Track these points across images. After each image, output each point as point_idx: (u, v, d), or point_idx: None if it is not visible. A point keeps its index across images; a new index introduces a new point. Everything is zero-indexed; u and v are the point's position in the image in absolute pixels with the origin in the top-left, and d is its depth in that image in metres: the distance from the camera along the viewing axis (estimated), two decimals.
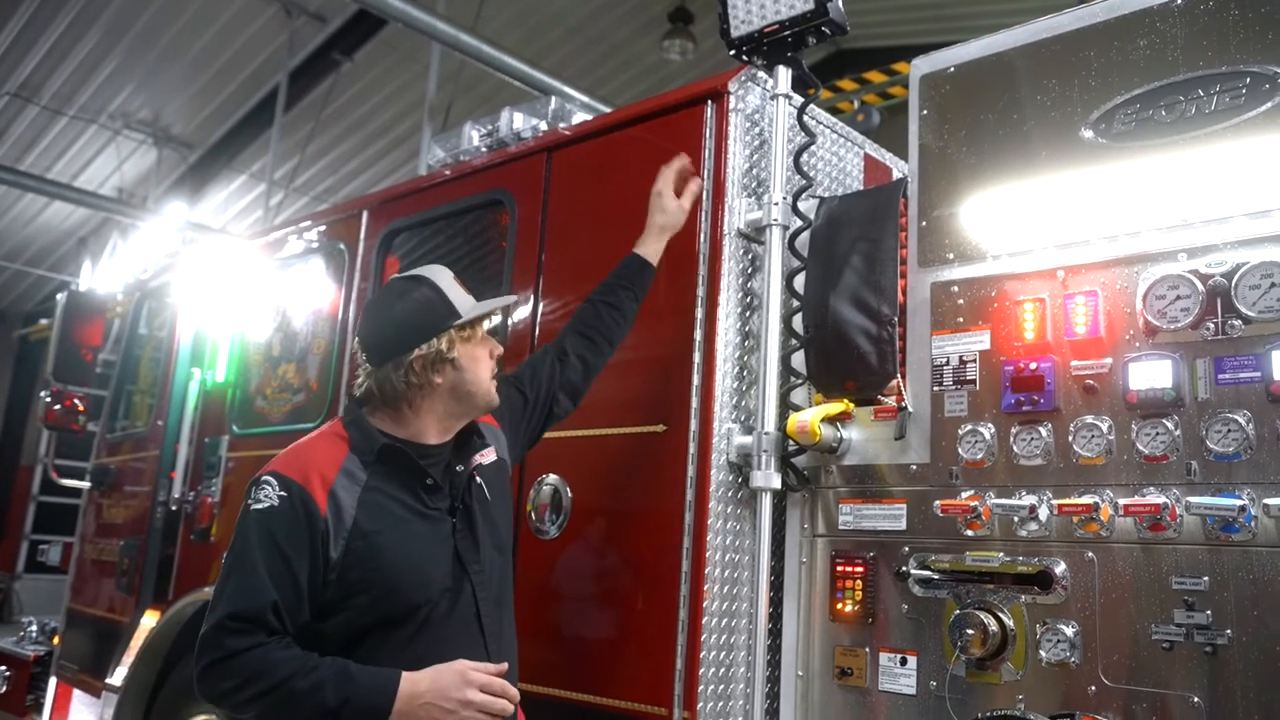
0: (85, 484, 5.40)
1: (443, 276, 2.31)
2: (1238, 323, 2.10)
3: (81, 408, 5.32)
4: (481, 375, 2.29)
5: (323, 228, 4.28)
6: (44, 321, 15.81)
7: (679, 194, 2.78)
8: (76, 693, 4.88)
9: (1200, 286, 2.15)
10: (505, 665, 2.12)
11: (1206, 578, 2.07)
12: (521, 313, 3.24)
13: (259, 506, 2.05)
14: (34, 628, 5.75)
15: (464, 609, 2.20)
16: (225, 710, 2.03)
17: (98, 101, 12.19)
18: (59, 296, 5.55)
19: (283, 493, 2.05)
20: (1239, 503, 2.01)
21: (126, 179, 13.77)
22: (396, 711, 1.96)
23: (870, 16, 10.78)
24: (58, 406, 5.23)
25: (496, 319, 2.45)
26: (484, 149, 3.72)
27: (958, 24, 10.39)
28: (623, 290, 2.72)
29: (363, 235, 3.99)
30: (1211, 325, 2.14)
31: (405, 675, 2.00)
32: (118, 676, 4.33)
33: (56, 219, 15.10)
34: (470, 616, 2.20)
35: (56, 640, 5.42)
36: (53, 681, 5.18)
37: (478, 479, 2.33)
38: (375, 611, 2.09)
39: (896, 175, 3.47)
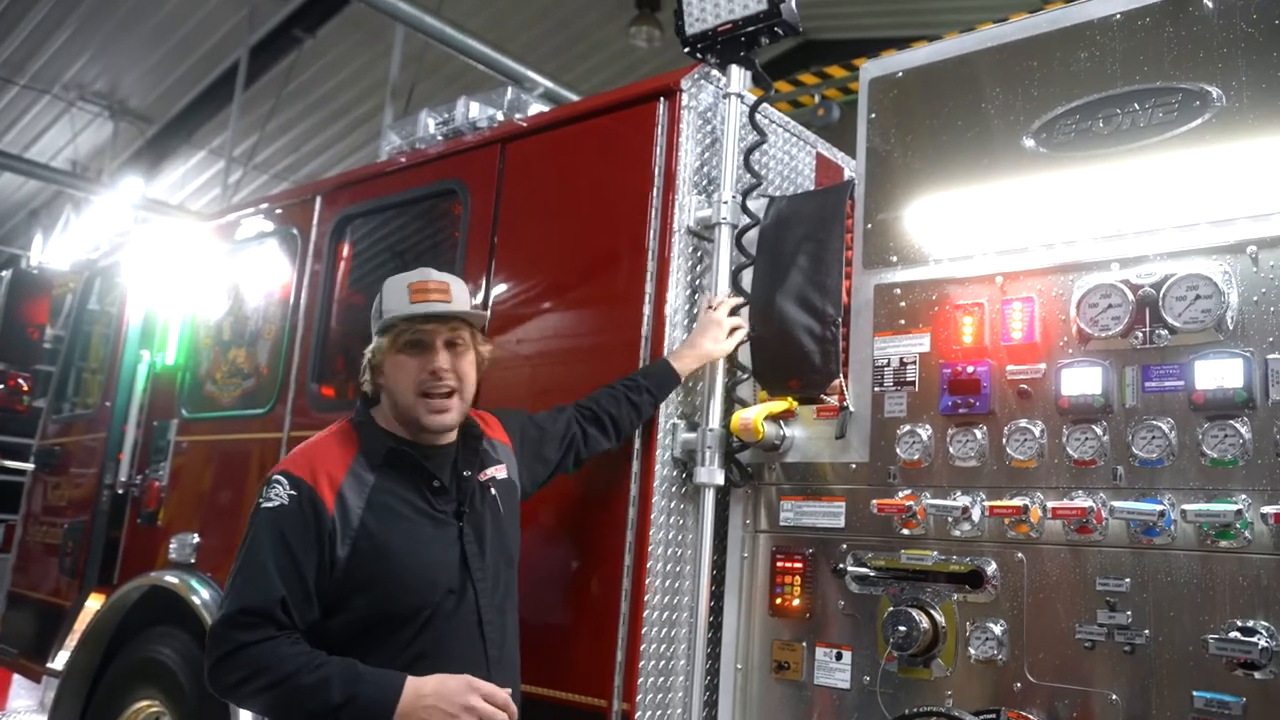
0: (29, 465, 5.32)
1: (393, 282, 2.29)
2: (1164, 332, 2.16)
3: (26, 388, 5.24)
4: (401, 388, 2.24)
5: (276, 211, 4.24)
6: None
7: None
8: (16, 677, 4.82)
9: (1130, 296, 2.21)
10: (509, 689, 2.14)
11: (1128, 579, 2.14)
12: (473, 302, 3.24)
13: (269, 505, 2.09)
14: None
15: (466, 614, 2.21)
16: (234, 703, 2.04)
17: (51, 71, 11.91)
18: (3, 274, 5.46)
19: (293, 491, 2.10)
20: (1159, 507, 2.07)
21: (81, 152, 13.49)
22: (400, 711, 1.98)
23: (834, 9, 10.83)
24: (1, 386, 5.14)
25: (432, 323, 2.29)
26: (440, 137, 3.71)
27: (921, 19, 10.47)
28: (647, 395, 2.68)
29: (316, 221, 3.96)
30: (1140, 334, 2.20)
31: (411, 677, 2.03)
32: (59, 661, 4.28)
33: (7, 190, 14.77)
34: (473, 623, 2.21)
35: None
36: None
37: (492, 491, 2.36)
38: (379, 610, 2.12)
39: (848, 174, 3.51)
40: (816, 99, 8.58)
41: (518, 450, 2.54)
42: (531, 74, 9.36)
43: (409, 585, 2.14)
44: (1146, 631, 2.09)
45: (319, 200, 3.99)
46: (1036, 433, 2.30)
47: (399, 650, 2.12)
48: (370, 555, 2.11)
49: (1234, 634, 1.96)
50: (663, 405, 2.75)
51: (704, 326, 2.75)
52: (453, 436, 2.34)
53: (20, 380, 5.14)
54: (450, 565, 2.21)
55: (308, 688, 1.96)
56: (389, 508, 2.16)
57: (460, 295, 2.31)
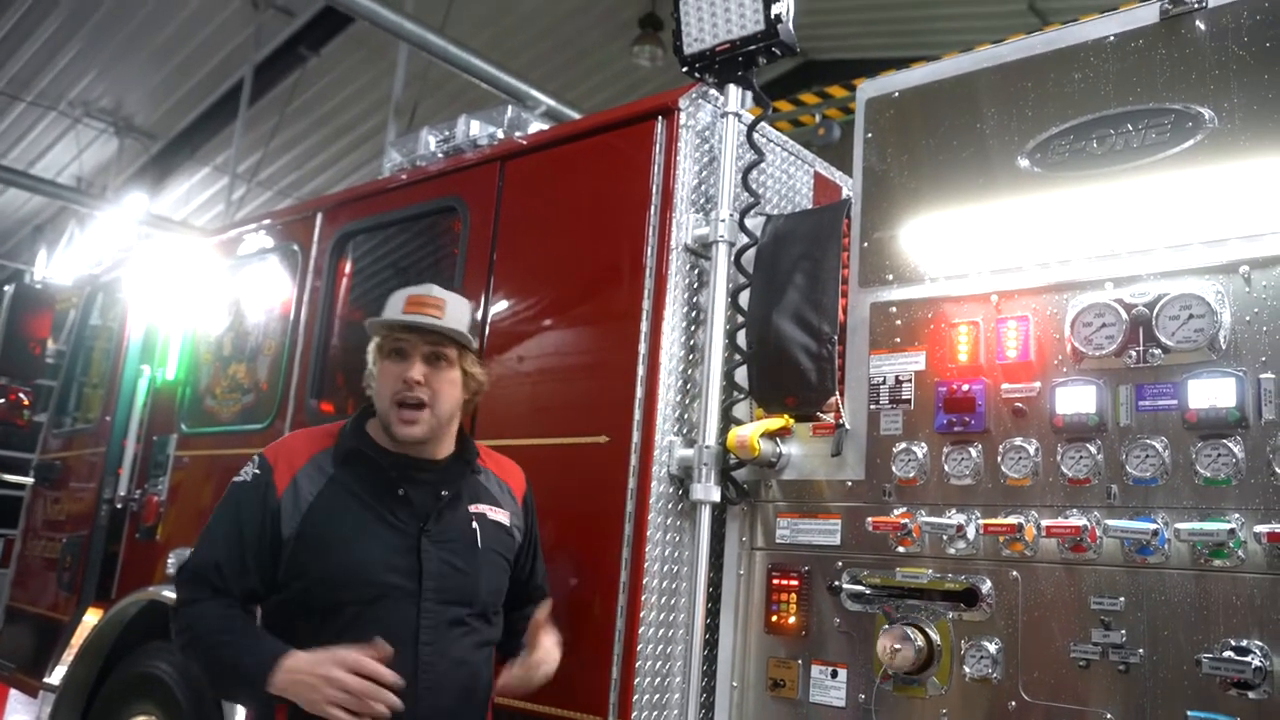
0: (28, 479, 5.33)
1: (398, 294, 2.36)
2: (1158, 351, 2.17)
3: (26, 402, 5.26)
4: (382, 392, 2.30)
5: (277, 228, 4.26)
6: None
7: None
8: (12, 692, 4.81)
9: (1124, 315, 2.22)
10: (397, 677, 2.02)
11: (1123, 598, 2.14)
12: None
13: (237, 479, 2.29)
14: None
15: (401, 627, 2.16)
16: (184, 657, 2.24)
17: (58, 88, 12.01)
18: (7, 289, 5.48)
19: (256, 470, 2.27)
20: (1153, 526, 2.08)
21: (86, 168, 13.57)
22: (274, 681, 2.04)
23: (835, 29, 10.90)
24: (2, 400, 5.16)
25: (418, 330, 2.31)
26: (440, 155, 3.73)
27: (922, 39, 10.54)
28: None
29: (316, 237, 3.99)
30: (1134, 353, 2.21)
31: (294, 651, 2.07)
32: (56, 676, 4.27)
33: (11, 206, 14.85)
34: (407, 637, 2.16)
35: None
36: None
37: (474, 525, 2.34)
38: (309, 596, 2.20)
39: (845, 193, 3.53)
40: (818, 118, 8.63)
41: (526, 515, 2.54)
42: (534, 92, 9.42)
43: (337, 578, 2.19)
44: (1141, 650, 2.09)
45: (320, 217, 4.01)
46: (1031, 451, 2.30)
47: (323, 642, 2.09)
48: (311, 540, 2.20)
49: (1228, 653, 1.96)
50: (659, 422, 2.76)
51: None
52: (445, 453, 2.36)
53: (21, 395, 5.16)
54: (392, 571, 2.20)
55: (212, 647, 2.14)
56: (339, 499, 2.25)
57: (455, 314, 2.33)
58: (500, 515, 2.42)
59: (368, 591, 2.18)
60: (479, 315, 3.21)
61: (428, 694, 2.17)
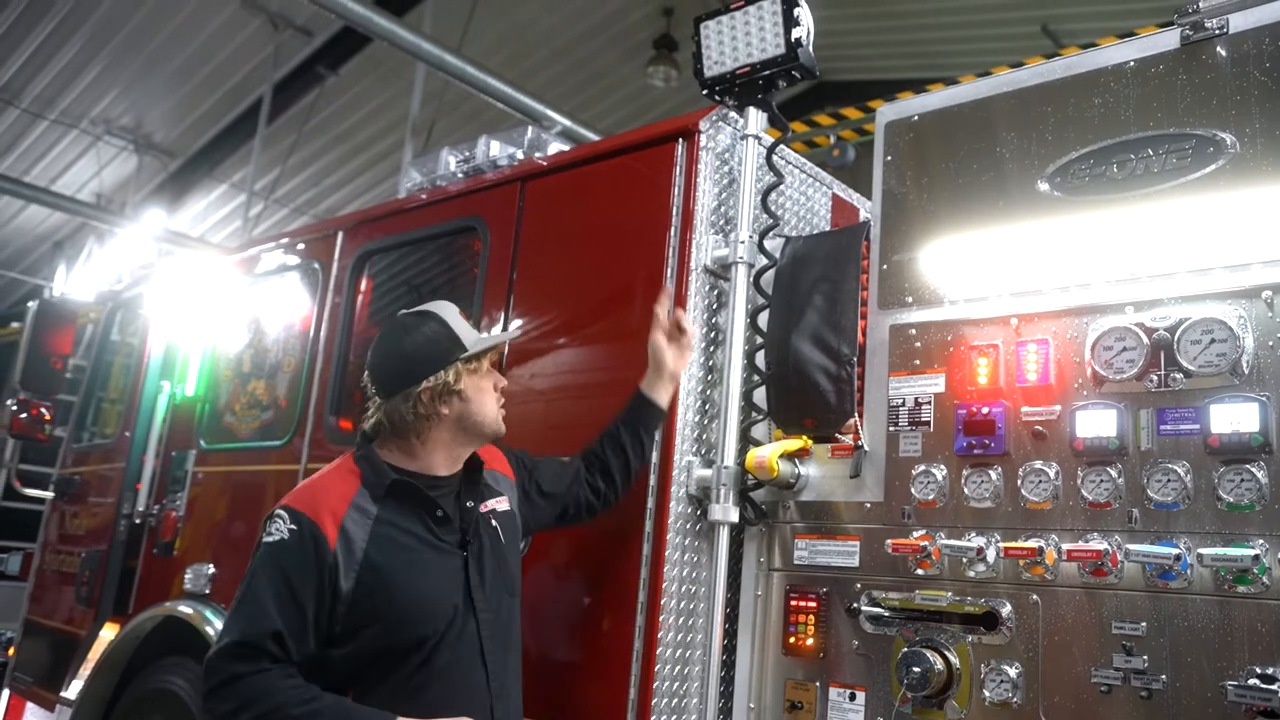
0: (49, 494, 5.37)
1: (449, 311, 2.39)
2: (1179, 376, 2.17)
3: (48, 417, 5.30)
4: (487, 406, 2.38)
5: (298, 246, 4.30)
6: (14, 325, 15.64)
7: (674, 335, 2.74)
8: (29, 705, 4.83)
9: (1145, 339, 2.22)
10: None
11: (1144, 623, 2.13)
12: None
13: (270, 539, 2.12)
14: None
15: (468, 645, 2.23)
16: None
17: (80, 106, 12.15)
18: (30, 305, 5.54)
19: (293, 526, 2.12)
20: (1175, 551, 2.07)
21: (106, 185, 13.70)
22: None
23: (850, 50, 10.95)
24: (24, 415, 5.20)
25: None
26: (460, 175, 3.76)
27: (935, 61, 10.59)
28: (646, 437, 2.72)
29: (337, 255, 4.02)
30: (1155, 377, 2.21)
31: (400, 717, 2.06)
32: (73, 690, 4.29)
33: (32, 222, 14.99)
34: (474, 653, 2.24)
35: (12, 651, 5.36)
36: (5, 693, 5.13)
37: (493, 522, 2.40)
38: (383, 641, 2.14)
39: (863, 215, 3.55)
40: (832, 139, 8.66)
41: (519, 481, 2.59)
42: (550, 112, 9.48)
43: (413, 616, 2.16)
44: (1164, 677, 2.08)
45: (340, 235, 4.05)
46: (1051, 474, 2.30)
47: (403, 681, 2.14)
48: (374, 587, 2.13)
49: (1253, 680, 1.95)
50: (678, 442, 2.77)
51: (653, 356, 2.72)
52: (457, 467, 2.38)
53: (42, 409, 5.20)
54: (453, 595, 2.23)
55: (303, 717, 1.98)
56: (392, 539, 2.19)
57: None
58: (502, 503, 2.47)
59: (441, 621, 2.20)
60: (494, 330, 3.24)
61: (499, 701, 2.26)
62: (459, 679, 2.20)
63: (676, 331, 2.74)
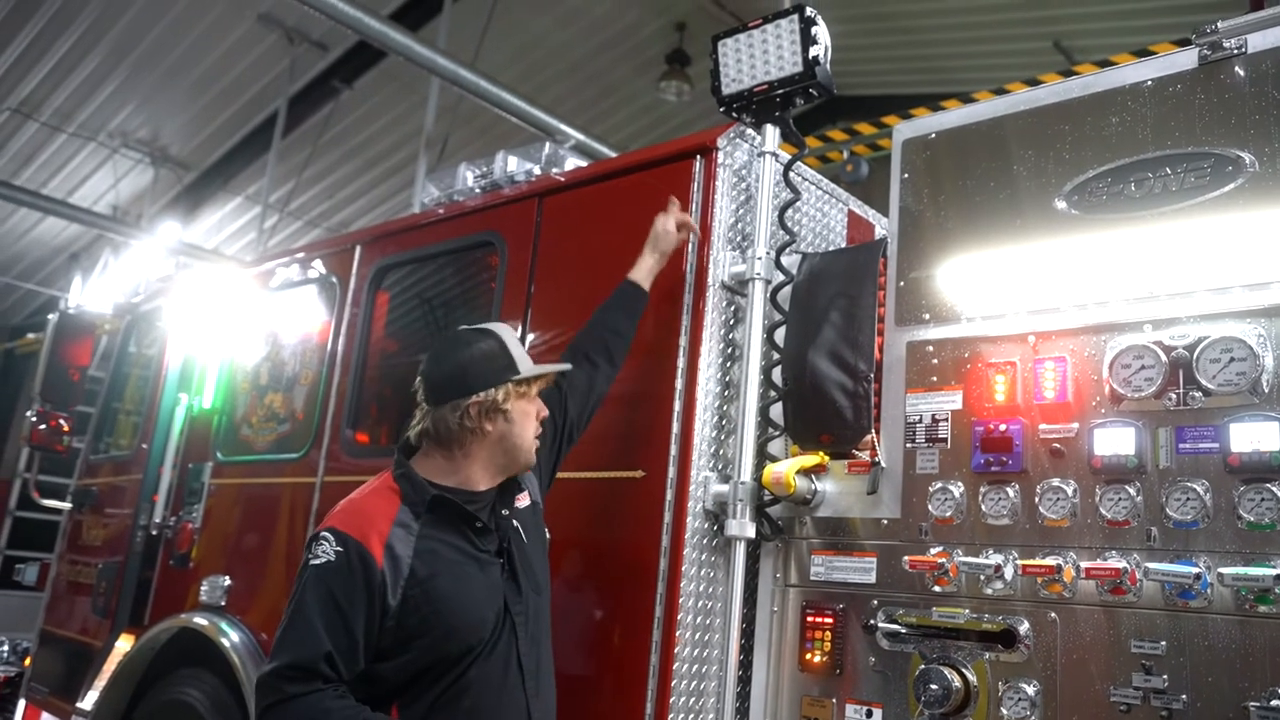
0: (66, 504, 5.40)
1: (507, 334, 2.43)
2: (1198, 394, 2.17)
3: (66, 428, 5.34)
4: (527, 433, 2.40)
5: (316, 259, 4.33)
6: (31, 336, 15.76)
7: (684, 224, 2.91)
8: (46, 716, 4.85)
9: (1164, 357, 2.22)
10: None
11: (1164, 642, 2.12)
12: None
13: (316, 562, 2.14)
14: (5, 647, 5.71)
15: (505, 648, 2.28)
16: None
17: (98, 120, 12.25)
18: (50, 317, 5.58)
19: (339, 548, 2.14)
20: (1195, 570, 2.07)
21: (122, 197, 13.80)
22: None
23: (862, 66, 10.97)
24: (43, 426, 5.24)
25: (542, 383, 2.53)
26: (477, 190, 3.79)
27: (948, 76, 10.59)
28: (629, 321, 2.86)
29: (355, 269, 4.05)
30: (1174, 396, 2.21)
31: None
32: (88, 701, 4.31)
33: (49, 234, 15.10)
34: (511, 655, 2.29)
35: (28, 661, 5.39)
36: (21, 703, 5.15)
37: (515, 523, 2.42)
38: (431, 654, 2.18)
39: (879, 231, 3.56)
40: (845, 154, 8.67)
41: (538, 466, 2.59)
42: (563, 126, 9.52)
43: (460, 628, 2.19)
44: (1184, 696, 2.07)
45: (359, 249, 4.08)
46: (1069, 492, 2.30)
47: (447, 689, 2.19)
48: (421, 602, 2.16)
49: (1275, 702, 1.94)
50: (695, 457, 2.78)
51: (661, 231, 2.87)
52: (494, 483, 2.42)
53: (61, 420, 5.24)
54: (495, 603, 2.28)
55: None
56: (436, 554, 2.22)
57: None
58: (523, 499, 2.50)
59: (484, 632, 2.24)
60: None
61: (535, 701, 2.30)
62: (496, 681, 2.24)
63: (684, 223, 2.89)
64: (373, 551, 2.14)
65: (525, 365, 2.39)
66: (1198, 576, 2.06)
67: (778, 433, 2.86)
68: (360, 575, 2.12)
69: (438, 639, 2.17)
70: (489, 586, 2.28)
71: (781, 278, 2.90)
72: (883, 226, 3.56)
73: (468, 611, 2.21)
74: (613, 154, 8.05)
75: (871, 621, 2.53)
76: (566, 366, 2.64)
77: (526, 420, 2.39)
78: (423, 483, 2.30)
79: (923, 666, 2.38)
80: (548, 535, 2.60)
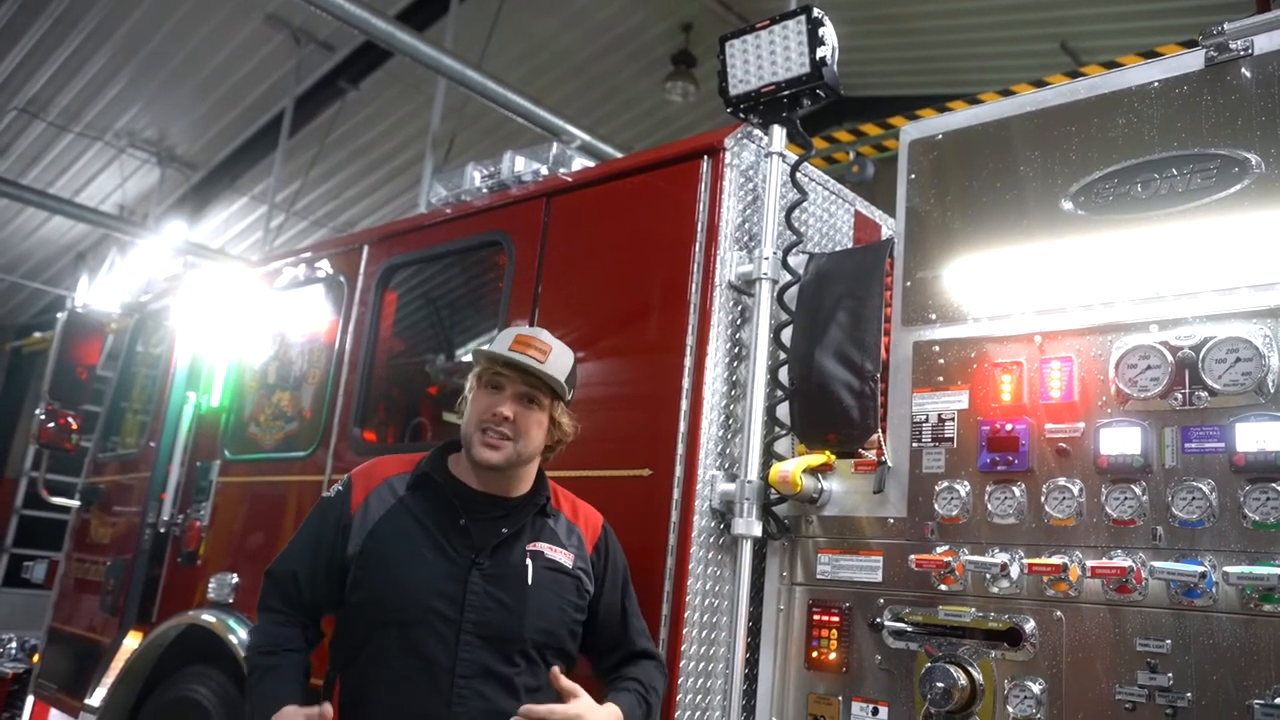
0: (74, 502, 5.42)
1: (513, 330, 2.45)
2: (1204, 394, 2.18)
3: (74, 426, 5.36)
4: (471, 418, 2.38)
5: (323, 259, 4.35)
6: (37, 335, 15.81)
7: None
8: (54, 712, 4.87)
9: (1170, 357, 2.23)
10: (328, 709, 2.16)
11: (1169, 641, 2.13)
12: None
13: (325, 495, 2.49)
14: (14, 644, 5.73)
15: (441, 654, 2.22)
16: None
17: (104, 119, 12.29)
18: (59, 316, 5.61)
19: (341, 488, 2.44)
20: (1200, 569, 2.08)
21: (128, 196, 13.85)
22: None
23: (869, 66, 10.97)
24: (51, 424, 5.26)
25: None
26: (485, 190, 3.81)
27: (954, 78, 10.58)
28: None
29: (363, 268, 4.07)
30: (1179, 395, 2.22)
31: (290, 707, 2.18)
32: (96, 697, 4.33)
33: (56, 233, 15.15)
34: (442, 668, 2.21)
35: (36, 658, 5.41)
36: (29, 700, 5.17)
37: (528, 562, 2.34)
38: (363, 612, 2.31)
39: (885, 232, 3.57)
40: (851, 155, 8.68)
41: (600, 562, 2.51)
42: (569, 127, 9.53)
43: (386, 595, 2.28)
44: (1189, 694, 2.08)
45: (366, 249, 4.10)
46: (1075, 491, 2.31)
47: (370, 657, 2.28)
48: (370, 558, 2.32)
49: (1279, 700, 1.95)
50: (701, 456, 2.79)
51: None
52: (518, 492, 2.42)
53: (69, 419, 5.26)
54: (438, 596, 2.25)
55: (249, 671, 2.33)
56: (401, 524, 2.35)
57: (557, 363, 2.40)
58: (560, 555, 2.41)
59: (410, 613, 2.25)
60: None
61: (447, 714, 2.19)
62: (409, 679, 2.22)
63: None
64: (354, 497, 2.39)
65: (482, 352, 2.41)
66: (1203, 575, 2.07)
67: (784, 432, 2.87)
68: (335, 513, 2.38)
69: (367, 596, 2.30)
70: (439, 576, 2.27)
71: (788, 278, 2.92)
72: (889, 227, 3.57)
73: (400, 582, 2.28)
74: (619, 155, 8.07)
75: (877, 620, 2.54)
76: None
77: (473, 407, 2.39)
78: (426, 462, 2.43)
79: (929, 664, 2.39)
80: (581, 611, 2.42)
